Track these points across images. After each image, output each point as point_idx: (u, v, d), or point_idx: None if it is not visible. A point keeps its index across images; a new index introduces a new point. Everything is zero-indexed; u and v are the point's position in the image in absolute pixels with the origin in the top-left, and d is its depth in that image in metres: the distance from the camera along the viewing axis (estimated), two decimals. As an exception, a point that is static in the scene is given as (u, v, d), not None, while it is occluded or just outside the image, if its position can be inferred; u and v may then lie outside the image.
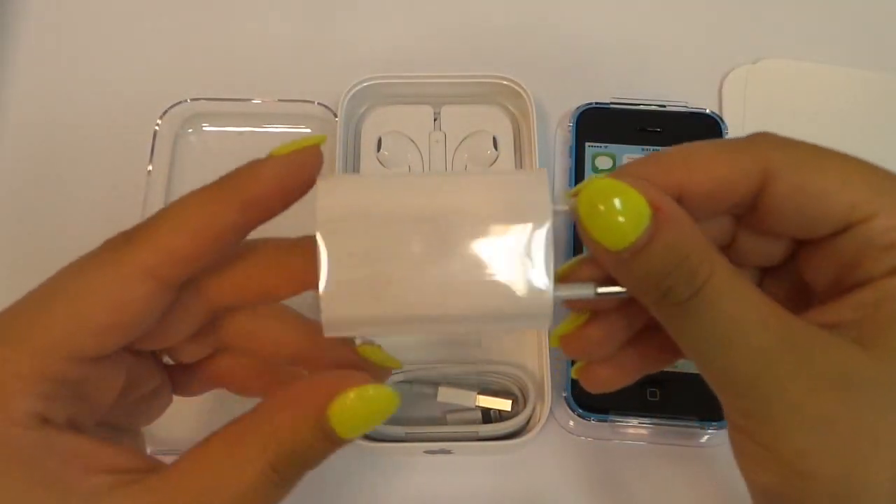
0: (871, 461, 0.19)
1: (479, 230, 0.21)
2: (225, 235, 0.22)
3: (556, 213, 0.21)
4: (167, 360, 0.27)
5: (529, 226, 0.21)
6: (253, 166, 0.22)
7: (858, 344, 0.20)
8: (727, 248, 0.24)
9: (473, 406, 0.36)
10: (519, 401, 0.37)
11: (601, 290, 0.22)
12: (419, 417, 0.37)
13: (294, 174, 0.22)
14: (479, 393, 0.36)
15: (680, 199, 0.21)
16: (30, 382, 0.21)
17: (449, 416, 0.37)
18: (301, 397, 0.21)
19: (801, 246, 0.23)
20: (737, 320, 0.20)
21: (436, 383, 0.37)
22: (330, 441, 0.21)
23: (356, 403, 0.21)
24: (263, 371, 0.27)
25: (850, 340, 0.20)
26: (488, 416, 0.37)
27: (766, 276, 0.25)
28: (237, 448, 0.21)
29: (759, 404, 0.20)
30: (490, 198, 0.21)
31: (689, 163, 0.21)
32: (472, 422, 0.37)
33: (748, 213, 0.22)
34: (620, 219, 0.19)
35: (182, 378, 0.28)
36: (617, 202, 0.19)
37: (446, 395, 0.36)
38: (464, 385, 0.37)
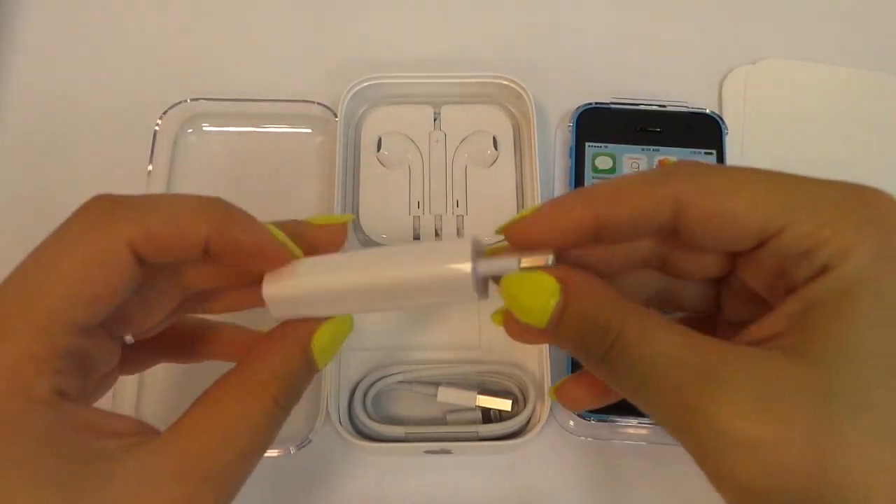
0: (812, 470, 0.19)
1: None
2: (196, 245, 0.24)
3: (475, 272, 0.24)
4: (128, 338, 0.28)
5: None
6: (252, 222, 0.25)
7: (787, 355, 0.20)
8: (667, 265, 0.26)
9: (473, 406, 0.36)
10: (519, 401, 0.37)
11: (524, 263, 0.24)
12: (419, 417, 0.37)
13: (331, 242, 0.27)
14: (480, 393, 0.36)
15: (604, 229, 0.23)
16: (43, 360, 0.21)
17: (449, 416, 0.37)
18: (288, 337, 0.25)
19: (736, 258, 0.24)
20: (652, 364, 0.21)
21: (436, 383, 0.37)
22: (311, 369, 0.25)
23: (331, 330, 0.25)
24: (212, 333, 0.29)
25: (780, 352, 0.21)
26: (488, 416, 0.37)
27: (723, 286, 0.26)
28: (242, 392, 0.24)
29: (692, 438, 0.21)
30: (419, 263, 0.24)
31: (610, 196, 0.23)
32: (473, 422, 0.37)
33: (674, 234, 0.23)
34: (535, 303, 0.23)
35: (130, 356, 0.28)
36: (529, 291, 0.23)
37: (446, 395, 0.36)
38: (464, 385, 0.37)
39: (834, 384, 0.19)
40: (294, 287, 0.25)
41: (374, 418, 0.36)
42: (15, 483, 0.20)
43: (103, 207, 0.23)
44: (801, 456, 0.19)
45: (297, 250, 0.25)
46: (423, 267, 0.24)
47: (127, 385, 0.37)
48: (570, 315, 0.23)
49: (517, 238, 0.24)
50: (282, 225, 0.26)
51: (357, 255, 0.26)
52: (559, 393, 0.28)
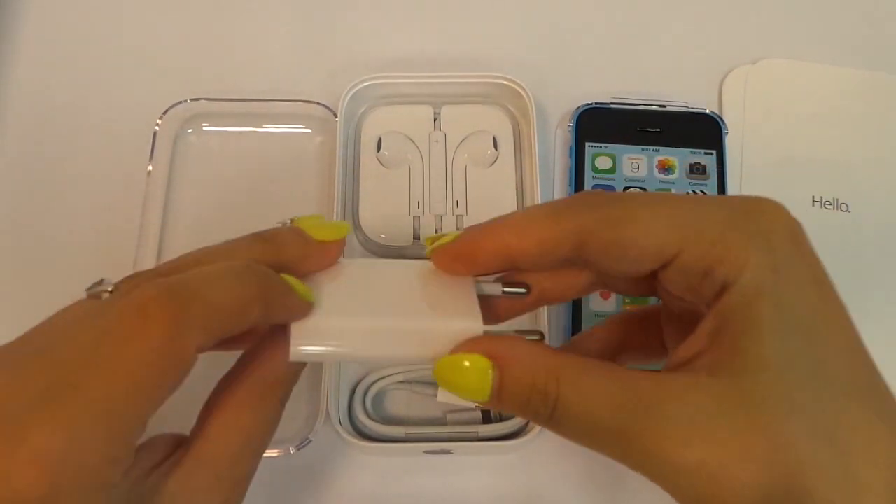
0: (760, 480, 0.20)
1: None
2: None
3: None
4: None
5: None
6: (301, 238, 0.27)
7: (712, 374, 0.21)
8: (599, 284, 0.28)
9: (473, 407, 0.36)
10: None
11: (507, 289, 0.27)
12: (419, 418, 0.37)
13: (330, 259, 0.28)
14: None
15: (515, 261, 0.25)
16: (119, 460, 0.21)
17: (449, 416, 0.37)
18: (275, 341, 0.26)
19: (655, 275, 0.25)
20: (593, 416, 0.22)
21: (435, 384, 0.37)
22: (297, 367, 0.26)
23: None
24: None
25: (705, 373, 0.22)
26: (488, 416, 0.37)
27: (656, 283, 0.27)
28: (254, 397, 0.25)
29: (650, 473, 0.22)
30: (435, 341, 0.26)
31: (517, 230, 0.25)
32: (472, 422, 0.37)
33: (584, 260, 0.25)
34: (472, 384, 0.24)
35: None
36: (462, 374, 0.24)
37: (446, 395, 0.36)
38: None
39: (757, 395, 0.20)
40: (319, 353, 0.26)
41: (374, 418, 0.36)
42: None
43: (170, 314, 0.22)
44: (746, 469, 0.20)
45: (311, 297, 0.26)
46: (438, 347, 0.25)
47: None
48: (508, 387, 0.24)
49: (438, 264, 0.26)
50: (285, 238, 0.26)
51: (375, 322, 0.26)
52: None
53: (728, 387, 0.21)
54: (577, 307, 0.39)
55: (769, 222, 0.23)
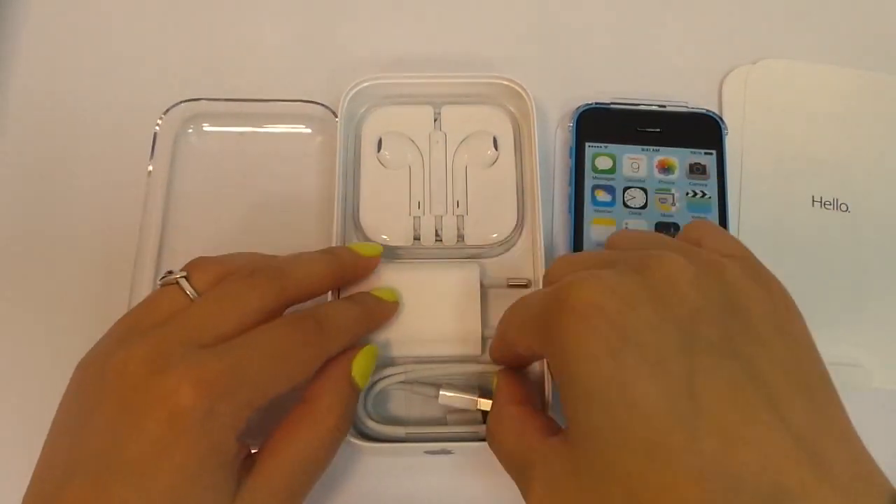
0: None
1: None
2: (328, 289, 0.36)
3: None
4: None
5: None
6: (349, 255, 0.36)
7: (566, 441, 0.26)
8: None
9: (475, 409, 0.36)
10: None
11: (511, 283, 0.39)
12: (420, 418, 0.37)
13: (369, 269, 0.38)
14: (481, 396, 0.36)
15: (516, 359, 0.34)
16: (253, 411, 0.29)
17: (449, 417, 0.37)
18: (334, 373, 0.33)
19: None
20: (498, 454, 0.31)
21: (437, 385, 0.37)
22: (356, 391, 0.33)
23: (362, 359, 0.33)
24: None
25: (562, 438, 0.27)
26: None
27: None
28: (305, 426, 0.31)
29: None
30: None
31: (501, 347, 0.34)
32: (473, 422, 0.37)
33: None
34: None
35: None
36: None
37: (448, 398, 0.36)
38: (465, 388, 0.37)
39: (584, 463, 0.24)
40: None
41: (374, 418, 0.36)
42: (204, 485, 0.27)
43: (317, 328, 0.32)
44: None
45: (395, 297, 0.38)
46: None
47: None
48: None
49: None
50: (342, 251, 0.36)
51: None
52: None
53: (569, 453, 0.25)
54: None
55: (561, 306, 0.26)
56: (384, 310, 0.36)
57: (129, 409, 0.27)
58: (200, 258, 0.32)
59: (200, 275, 0.31)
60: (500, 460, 0.30)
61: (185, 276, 0.31)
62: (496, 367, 0.38)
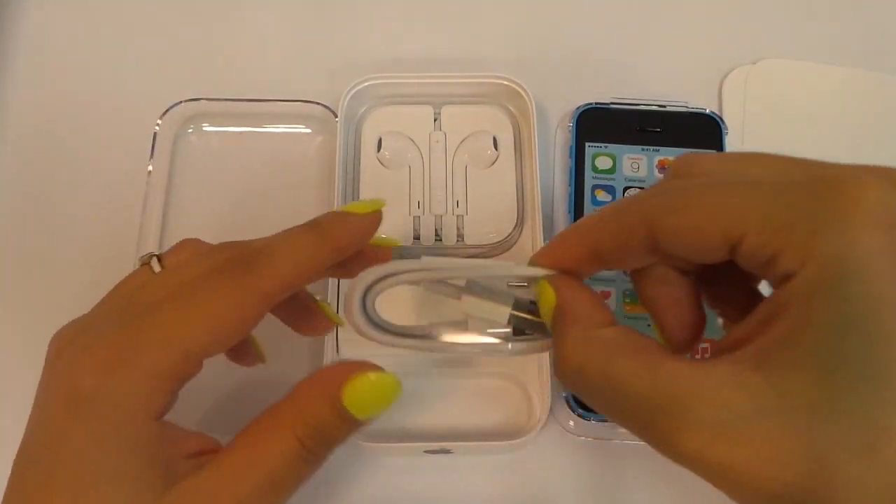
0: (792, 492, 0.19)
1: None
2: (321, 270, 0.28)
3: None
4: None
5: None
6: (343, 219, 0.29)
7: (755, 367, 0.20)
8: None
9: (503, 321, 0.28)
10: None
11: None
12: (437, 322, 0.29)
13: (370, 229, 0.30)
14: (515, 308, 0.28)
15: (600, 256, 0.25)
16: (169, 381, 0.25)
17: (471, 323, 0.29)
18: (319, 382, 0.26)
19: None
20: (619, 398, 0.22)
21: (457, 287, 0.28)
22: (348, 421, 0.26)
23: (363, 386, 0.26)
24: None
25: (749, 366, 0.20)
26: (521, 330, 0.28)
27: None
28: (272, 430, 0.26)
29: (678, 462, 0.21)
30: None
31: (594, 227, 0.25)
32: (498, 333, 0.29)
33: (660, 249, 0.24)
34: (545, 308, 0.26)
35: None
36: (543, 296, 0.26)
37: (470, 303, 0.28)
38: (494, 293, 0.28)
39: (797, 397, 0.19)
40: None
41: (376, 322, 0.28)
42: (109, 474, 0.24)
43: (245, 262, 0.27)
44: (771, 475, 0.19)
45: (377, 205, 0.30)
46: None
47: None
48: (552, 329, 0.25)
49: (542, 264, 0.27)
50: (326, 218, 0.29)
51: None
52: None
53: (768, 386, 0.20)
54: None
55: (848, 205, 0.20)
56: (351, 227, 0.29)
57: (39, 395, 0.26)
58: (185, 239, 0.30)
59: (175, 254, 0.29)
60: (606, 404, 0.23)
61: (157, 255, 0.29)
62: (494, 367, 0.38)
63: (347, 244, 0.29)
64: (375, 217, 0.29)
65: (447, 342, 0.28)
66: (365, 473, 0.37)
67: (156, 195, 0.41)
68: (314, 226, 0.29)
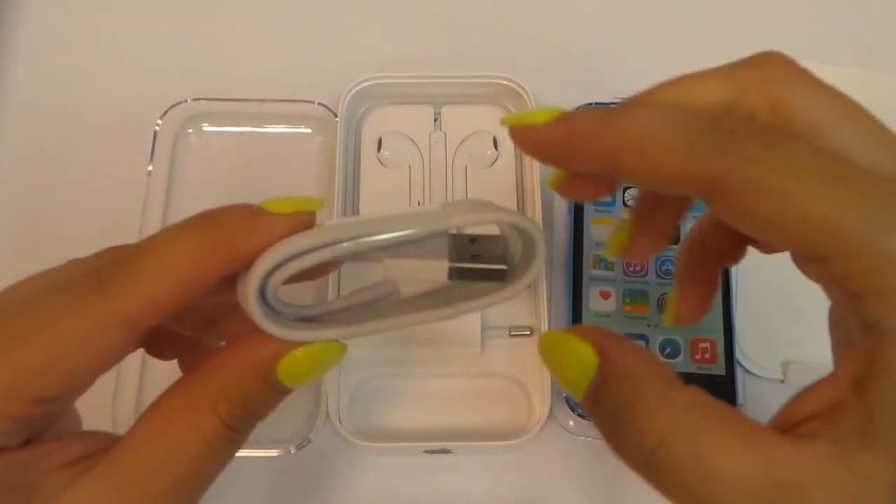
0: None
1: None
2: (208, 286, 0.21)
3: None
4: None
5: None
6: (246, 217, 0.21)
7: (863, 446, 0.17)
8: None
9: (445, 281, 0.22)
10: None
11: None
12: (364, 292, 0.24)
13: (285, 236, 0.21)
14: (454, 257, 0.22)
15: (620, 174, 0.20)
16: None
17: (403, 286, 0.23)
18: (247, 357, 0.22)
19: None
20: (706, 485, 0.18)
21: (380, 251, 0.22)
22: (278, 391, 0.22)
23: (304, 358, 0.22)
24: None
25: (854, 444, 0.17)
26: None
27: None
28: (187, 411, 0.21)
29: None
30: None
31: (632, 149, 0.19)
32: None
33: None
34: (570, 373, 0.20)
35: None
36: (565, 360, 0.21)
37: (397, 268, 0.22)
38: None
39: None
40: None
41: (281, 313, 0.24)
42: None
43: (99, 281, 0.21)
44: None
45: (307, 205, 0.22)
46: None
47: (129, 384, 0.37)
48: (604, 399, 0.20)
49: (521, 144, 0.21)
50: (229, 212, 0.22)
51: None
52: (561, 187, 0.24)
53: (888, 471, 0.17)
54: (576, 306, 0.39)
55: None
56: (260, 232, 0.21)
57: None
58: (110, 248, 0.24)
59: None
60: (686, 490, 0.18)
61: None
62: (493, 367, 0.38)
63: (250, 252, 0.21)
64: (298, 220, 0.21)
65: (377, 324, 0.22)
66: (365, 473, 0.37)
67: (156, 195, 0.41)
68: (206, 222, 0.21)
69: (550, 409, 0.36)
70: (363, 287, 0.23)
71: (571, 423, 0.38)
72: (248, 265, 0.21)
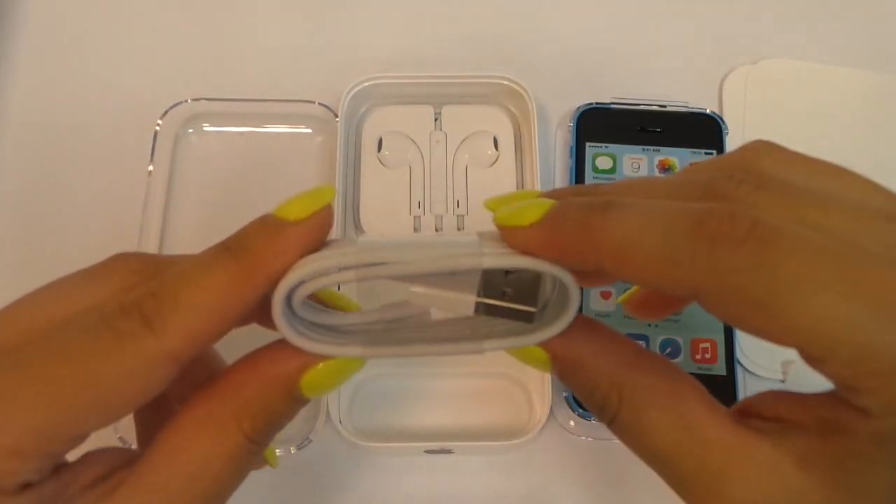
0: None
1: None
2: (244, 311, 0.21)
3: None
4: None
5: None
6: (272, 236, 0.21)
7: (800, 466, 0.19)
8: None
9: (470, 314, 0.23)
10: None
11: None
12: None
13: (314, 241, 0.21)
14: (484, 292, 0.22)
15: (613, 277, 0.21)
16: (28, 460, 0.20)
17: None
18: (271, 372, 0.22)
19: None
20: (648, 446, 0.21)
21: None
22: (299, 403, 0.22)
23: (326, 371, 0.22)
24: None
25: (792, 460, 0.19)
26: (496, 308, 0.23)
27: None
28: (210, 428, 0.21)
29: None
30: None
31: (617, 253, 0.20)
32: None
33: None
34: (533, 362, 0.23)
35: None
36: (525, 359, 0.23)
37: (423, 297, 0.22)
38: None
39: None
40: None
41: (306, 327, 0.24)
42: None
43: (143, 319, 0.20)
44: None
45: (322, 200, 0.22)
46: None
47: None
48: (567, 380, 0.23)
49: (510, 243, 0.21)
50: (248, 233, 0.22)
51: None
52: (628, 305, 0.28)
53: (813, 487, 0.19)
54: (577, 307, 0.39)
55: None
56: (285, 245, 0.21)
57: None
58: (118, 255, 0.25)
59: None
60: (641, 443, 0.22)
61: None
62: (493, 367, 0.38)
63: (279, 270, 0.21)
64: (318, 222, 0.21)
65: (400, 349, 0.22)
66: (365, 473, 0.37)
67: (156, 195, 0.41)
68: (232, 250, 0.21)
69: (550, 409, 0.36)
70: (389, 304, 0.22)
71: (571, 423, 0.38)
72: (277, 281, 0.21)
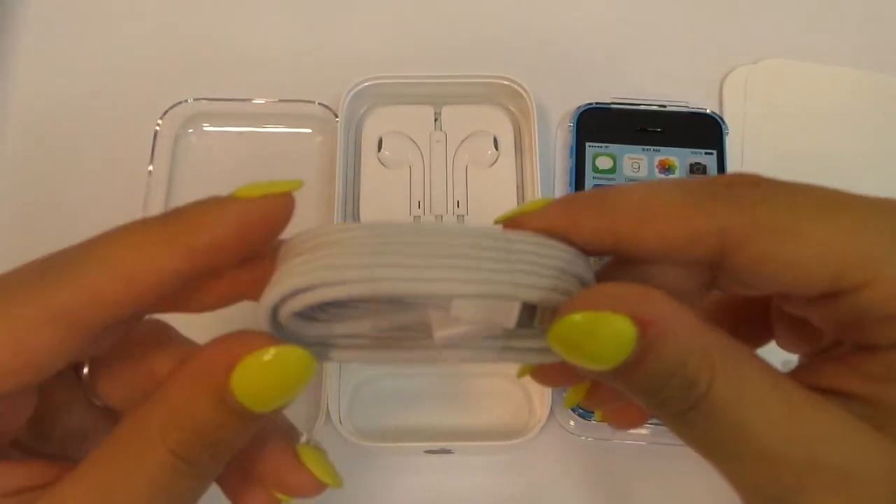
0: None
1: None
2: (165, 282, 0.18)
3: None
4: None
5: None
6: (209, 206, 0.19)
7: (872, 425, 0.18)
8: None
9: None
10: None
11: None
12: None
13: (256, 224, 0.19)
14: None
15: (623, 248, 0.19)
16: None
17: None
18: (196, 372, 0.18)
19: None
20: (739, 427, 0.18)
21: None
22: (241, 417, 0.18)
23: (257, 369, 0.18)
24: None
25: (863, 419, 0.18)
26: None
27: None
28: (133, 443, 0.18)
29: None
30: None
31: (635, 216, 0.19)
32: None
33: (718, 267, 0.19)
34: (602, 351, 0.17)
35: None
36: (596, 336, 0.17)
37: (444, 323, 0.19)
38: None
39: None
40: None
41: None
42: None
43: (40, 269, 0.18)
44: None
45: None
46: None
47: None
48: (651, 362, 0.18)
49: (524, 226, 0.20)
50: (193, 210, 0.20)
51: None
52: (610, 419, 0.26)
53: (887, 451, 0.18)
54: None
55: None
56: (228, 218, 0.19)
57: None
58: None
59: None
60: (732, 424, 0.18)
61: None
62: (492, 367, 0.38)
63: (216, 243, 0.19)
64: (269, 204, 0.19)
65: (408, 354, 0.21)
66: (365, 473, 0.37)
67: (156, 195, 0.41)
68: (167, 216, 0.19)
69: (550, 409, 0.36)
70: (395, 314, 0.20)
71: (571, 423, 0.38)
72: (218, 259, 0.19)
